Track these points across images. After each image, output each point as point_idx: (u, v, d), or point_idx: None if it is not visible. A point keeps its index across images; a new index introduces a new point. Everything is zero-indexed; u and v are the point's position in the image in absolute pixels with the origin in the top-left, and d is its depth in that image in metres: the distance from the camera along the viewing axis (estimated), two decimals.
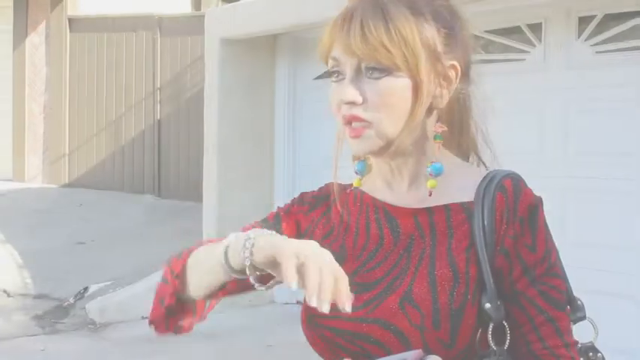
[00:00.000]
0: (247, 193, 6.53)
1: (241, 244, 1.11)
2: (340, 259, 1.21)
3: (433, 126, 1.22)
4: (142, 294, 6.27)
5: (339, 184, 1.36)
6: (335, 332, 1.19)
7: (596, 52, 4.42)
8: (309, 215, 1.38)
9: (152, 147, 9.41)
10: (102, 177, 9.92)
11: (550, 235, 1.17)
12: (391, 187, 1.27)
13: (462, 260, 1.15)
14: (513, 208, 1.15)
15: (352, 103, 1.17)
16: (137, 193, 9.44)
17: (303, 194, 1.44)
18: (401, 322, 1.13)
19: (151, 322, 1.43)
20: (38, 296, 6.44)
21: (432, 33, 1.17)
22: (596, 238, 4.37)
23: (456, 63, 1.20)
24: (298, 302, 6.66)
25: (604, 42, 4.39)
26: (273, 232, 1.14)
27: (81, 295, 6.40)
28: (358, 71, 1.17)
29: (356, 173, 1.32)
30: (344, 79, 1.20)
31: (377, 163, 1.27)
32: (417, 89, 1.15)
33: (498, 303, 1.12)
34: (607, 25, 4.39)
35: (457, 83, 1.20)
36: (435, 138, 1.22)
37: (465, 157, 1.30)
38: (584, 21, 4.48)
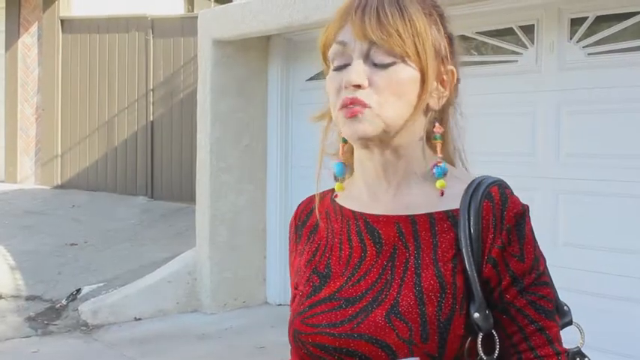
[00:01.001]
0: (240, 194, 6.54)
1: None
2: (325, 279, 1.23)
3: (427, 126, 1.22)
4: (134, 295, 6.27)
5: (321, 195, 1.34)
6: (321, 348, 1.17)
7: (589, 54, 4.44)
8: (299, 246, 1.36)
9: (145, 148, 9.40)
10: (94, 178, 9.90)
11: (537, 243, 1.16)
12: (374, 192, 1.24)
13: (449, 270, 1.13)
14: (500, 216, 1.13)
15: (357, 87, 1.15)
16: (130, 195, 9.43)
17: (290, 222, 1.41)
18: (388, 337, 1.12)
19: None
20: (30, 298, 6.42)
21: (439, 35, 1.18)
22: (587, 239, 4.38)
23: (454, 69, 1.22)
24: None
25: (596, 44, 4.41)
26: None
27: (73, 296, 6.38)
28: (366, 57, 1.15)
29: (335, 178, 1.30)
30: (347, 65, 1.17)
31: (362, 163, 1.24)
32: (423, 82, 1.16)
33: (487, 312, 1.12)
34: (599, 26, 4.40)
35: (451, 89, 1.22)
36: (434, 138, 1.21)
37: (451, 164, 1.28)
38: (576, 22, 4.49)
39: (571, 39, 4.51)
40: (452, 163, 1.27)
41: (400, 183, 1.22)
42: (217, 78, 6.39)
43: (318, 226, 1.32)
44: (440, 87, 1.20)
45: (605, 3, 4.35)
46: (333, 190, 1.32)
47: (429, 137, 1.23)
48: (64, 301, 6.33)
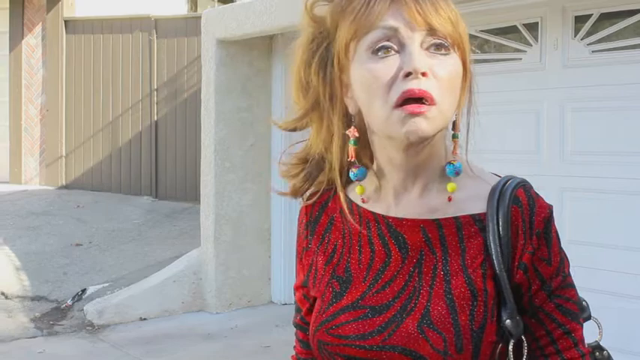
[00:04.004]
0: (245, 194, 6.54)
1: None
2: (346, 284, 1.17)
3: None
4: (140, 295, 6.27)
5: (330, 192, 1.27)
6: None
7: (593, 52, 4.43)
8: (309, 250, 1.28)
9: (149, 148, 9.40)
10: (99, 178, 9.91)
11: (560, 243, 1.14)
12: (398, 195, 1.16)
13: (479, 276, 1.10)
14: (529, 221, 1.10)
15: (424, 75, 1.04)
16: (134, 195, 9.44)
17: (299, 218, 1.33)
18: (423, 348, 1.07)
19: None
20: (36, 298, 6.43)
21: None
22: (593, 237, 4.37)
23: (471, 67, 1.14)
24: None
25: (600, 41, 4.40)
26: None
27: (79, 296, 6.39)
28: (420, 45, 1.05)
29: (355, 180, 1.18)
30: (397, 53, 1.05)
31: (391, 163, 1.14)
32: (465, 75, 1.10)
33: (518, 318, 1.09)
34: (603, 24, 4.39)
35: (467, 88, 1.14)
36: (453, 136, 1.14)
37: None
38: (580, 20, 4.49)
39: (575, 36, 4.50)
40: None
41: (428, 183, 1.15)
42: (221, 78, 6.40)
43: (332, 225, 1.25)
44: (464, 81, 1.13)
45: (609, 0, 4.35)
46: (337, 189, 1.23)
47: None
48: (69, 302, 6.34)
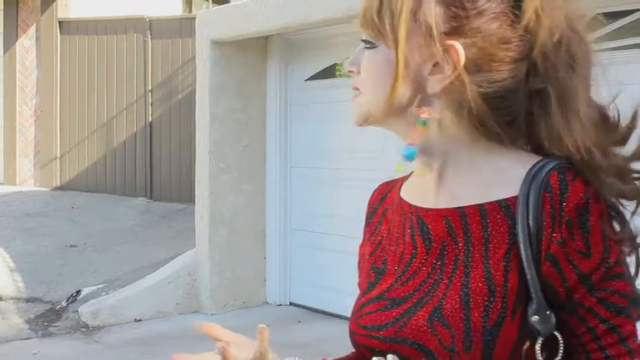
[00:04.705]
0: (239, 194, 6.54)
1: None
2: (380, 276, 1.18)
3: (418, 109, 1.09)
4: (134, 297, 6.27)
5: (394, 182, 1.27)
6: (370, 351, 1.12)
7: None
8: (366, 234, 1.29)
9: (144, 149, 9.39)
10: (94, 180, 9.90)
11: (607, 230, 1.02)
12: (426, 184, 1.15)
13: (500, 270, 1.03)
14: (559, 208, 1.01)
15: (352, 73, 1.15)
16: (129, 196, 9.43)
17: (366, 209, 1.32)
18: (430, 342, 1.04)
19: None
20: (30, 299, 6.42)
21: (433, 8, 1.04)
22: None
23: (456, 45, 1.04)
24: (291, 304, 6.68)
25: (599, 40, 4.40)
26: None
27: (73, 298, 6.38)
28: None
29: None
30: None
31: (418, 154, 1.13)
32: (396, 64, 1.07)
33: (547, 314, 1.01)
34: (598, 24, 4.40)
35: (459, 71, 1.05)
36: (417, 123, 1.09)
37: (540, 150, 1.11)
38: None
39: None
40: (541, 149, 1.10)
41: (441, 170, 1.12)
42: (216, 78, 6.40)
43: (384, 217, 1.24)
44: (431, 67, 1.06)
45: (603, 1, 4.36)
46: (404, 177, 1.24)
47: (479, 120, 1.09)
48: (64, 303, 6.33)
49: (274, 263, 6.66)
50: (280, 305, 6.61)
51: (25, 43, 10.45)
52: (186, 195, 8.57)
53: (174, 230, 7.92)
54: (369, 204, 1.31)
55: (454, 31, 1.05)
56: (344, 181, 6.21)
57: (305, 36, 6.40)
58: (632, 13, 4.25)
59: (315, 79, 6.53)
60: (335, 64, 6.54)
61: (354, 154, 6.13)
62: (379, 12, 1.07)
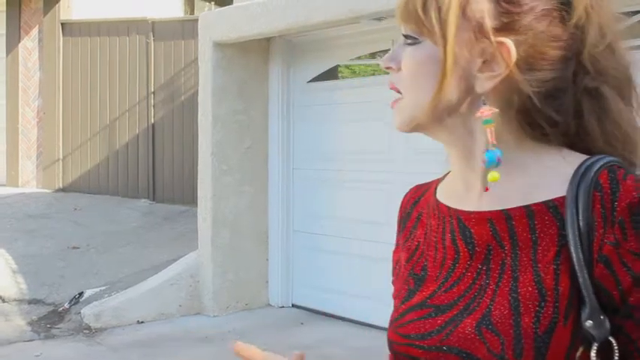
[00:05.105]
0: (242, 196, 6.54)
1: None
2: (420, 282, 1.13)
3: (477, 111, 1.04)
4: (137, 299, 6.27)
5: (428, 185, 1.23)
6: None
7: None
8: (401, 239, 1.24)
9: (146, 151, 9.40)
10: (96, 181, 9.91)
11: None
12: (468, 187, 1.11)
13: (550, 273, 0.99)
14: (611, 208, 0.96)
15: (390, 69, 1.07)
16: (132, 198, 9.43)
17: (398, 213, 1.28)
18: (479, 351, 1.00)
19: None
20: (33, 301, 6.42)
21: (482, 3, 1.00)
22: None
23: (507, 42, 1.01)
24: (294, 305, 6.67)
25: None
26: None
27: (76, 300, 6.38)
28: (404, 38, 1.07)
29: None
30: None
31: (455, 158, 1.11)
32: (444, 62, 1.01)
33: (601, 318, 0.96)
34: None
35: (510, 68, 1.01)
36: (483, 123, 1.03)
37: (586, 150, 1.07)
38: None
39: None
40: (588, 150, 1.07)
41: (485, 173, 1.06)
42: (218, 80, 6.40)
43: (419, 221, 1.20)
44: (481, 65, 1.02)
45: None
46: (439, 180, 1.20)
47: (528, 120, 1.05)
48: (66, 305, 6.33)
49: (277, 265, 6.66)
50: (283, 307, 6.60)
51: (28, 44, 10.46)
52: (188, 197, 8.58)
53: (177, 232, 7.92)
54: (401, 208, 1.26)
55: (505, 28, 1.01)
56: (346, 183, 6.21)
57: (307, 38, 6.40)
58: (636, 14, 4.25)
59: (318, 80, 6.53)
60: (337, 66, 6.54)
61: (357, 156, 6.12)
62: (424, 5, 1.02)
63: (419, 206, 1.22)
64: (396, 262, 1.23)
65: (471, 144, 1.08)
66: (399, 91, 1.07)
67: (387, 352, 1.17)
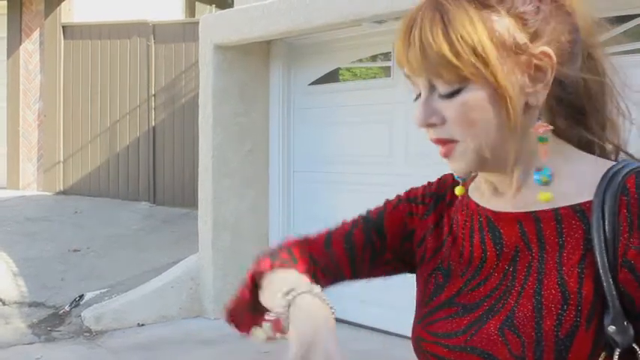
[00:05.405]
0: (242, 199, 6.54)
1: (282, 303, 1.05)
2: (447, 277, 1.14)
3: (532, 126, 1.04)
4: (137, 301, 6.27)
5: (456, 183, 1.20)
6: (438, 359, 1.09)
7: None
8: (424, 220, 1.23)
9: (147, 154, 9.40)
10: (97, 184, 9.90)
11: None
12: (497, 190, 1.11)
13: (574, 277, 0.98)
14: (637, 213, 0.95)
15: (433, 126, 1.04)
16: (132, 200, 9.43)
17: (416, 189, 1.28)
18: (500, 352, 1.00)
19: (228, 315, 1.33)
20: (34, 304, 6.42)
21: (505, 25, 1.00)
22: None
23: (546, 49, 1.01)
24: None
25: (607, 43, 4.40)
26: (316, 297, 1.05)
27: (76, 302, 6.38)
28: (432, 89, 1.03)
29: (458, 179, 1.17)
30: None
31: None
32: (501, 96, 1.00)
33: (625, 324, 0.94)
34: (600, 29, 4.39)
35: (555, 70, 1.02)
36: (538, 140, 1.04)
37: (592, 148, 1.11)
38: None
39: None
40: (590, 149, 1.11)
41: (524, 182, 1.08)
42: (219, 83, 6.40)
43: (447, 210, 1.21)
44: (535, 76, 1.02)
45: (607, 5, 4.35)
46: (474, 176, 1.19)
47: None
48: (67, 308, 6.33)
49: None
50: None
51: (29, 47, 10.46)
52: (189, 199, 8.57)
53: (177, 235, 7.92)
54: (436, 186, 1.26)
55: (534, 37, 1.02)
56: (347, 186, 6.20)
57: (308, 40, 6.40)
58: (632, 19, 4.25)
59: (319, 83, 6.53)
60: (338, 69, 6.54)
61: (358, 159, 6.12)
62: (457, 53, 0.98)
63: (449, 195, 1.22)
64: (421, 238, 1.22)
65: (521, 165, 1.07)
66: (448, 142, 1.04)
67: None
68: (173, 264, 6.81)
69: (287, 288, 1.07)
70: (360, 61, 6.43)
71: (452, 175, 1.22)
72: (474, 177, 1.19)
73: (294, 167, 6.68)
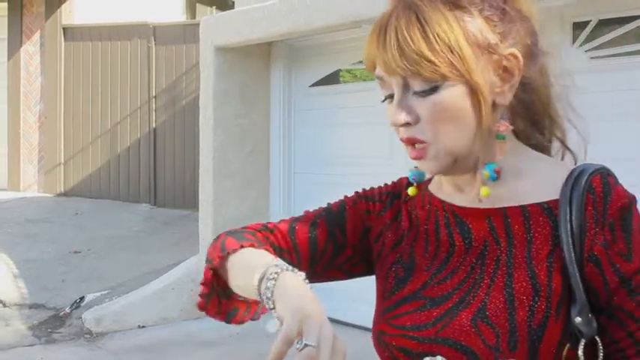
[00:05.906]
0: (243, 201, 6.53)
1: (264, 285, 1.05)
2: (409, 271, 1.15)
3: (495, 125, 1.08)
4: (138, 303, 6.26)
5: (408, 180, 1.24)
6: (404, 352, 1.10)
7: (591, 58, 4.43)
8: (381, 217, 1.26)
9: (148, 155, 9.40)
10: (97, 186, 9.91)
11: None
12: (461, 189, 1.15)
13: (543, 270, 1.02)
14: (602, 210, 1.01)
15: (407, 125, 1.06)
16: (133, 202, 9.44)
17: (373, 189, 1.30)
18: (473, 343, 1.02)
19: (200, 301, 1.33)
20: (34, 306, 6.42)
21: (478, 25, 1.04)
22: None
23: (514, 50, 1.06)
24: None
25: (599, 47, 4.40)
26: (296, 278, 1.03)
27: (77, 304, 6.38)
28: (406, 88, 1.05)
29: (412, 181, 1.21)
30: (392, 96, 1.08)
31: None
32: (475, 94, 1.03)
33: (589, 316, 1.00)
34: (601, 30, 4.40)
35: (522, 72, 1.07)
36: (496, 137, 1.08)
37: (547, 151, 1.18)
38: (578, 27, 4.49)
39: (573, 43, 4.50)
40: (548, 150, 1.18)
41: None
42: (219, 84, 6.40)
43: (401, 213, 1.23)
44: (503, 76, 1.06)
45: (608, 7, 4.35)
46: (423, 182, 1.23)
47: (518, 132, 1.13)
48: (67, 309, 6.32)
49: None
50: None
51: (30, 49, 10.47)
52: (189, 201, 8.57)
53: (178, 236, 7.92)
54: (393, 187, 1.29)
55: (504, 37, 1.06)
56: (348, 187, 6.15)
57: (309, 42, 6.40)
58: (634, 20, 4.25)
59: (319, 84, 6.53)
60: (339, 70, 6.54)
61: (359, 160, 6.12)
62: (434, 51, 1.00)
63: (405, 194, 1.25)
64: (377, 234, 1.25)
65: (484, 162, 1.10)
66: (418, 142, 1.06)
67: (375, 355, 1.18)
68: (174, 265, 6.81)
69: (264, 267, 1.07)
70: (361, 62, 6.41)
71: (407, 178, 1.26)
72: (430, 178, 1.23)
73: (295, 169, 6.68)
